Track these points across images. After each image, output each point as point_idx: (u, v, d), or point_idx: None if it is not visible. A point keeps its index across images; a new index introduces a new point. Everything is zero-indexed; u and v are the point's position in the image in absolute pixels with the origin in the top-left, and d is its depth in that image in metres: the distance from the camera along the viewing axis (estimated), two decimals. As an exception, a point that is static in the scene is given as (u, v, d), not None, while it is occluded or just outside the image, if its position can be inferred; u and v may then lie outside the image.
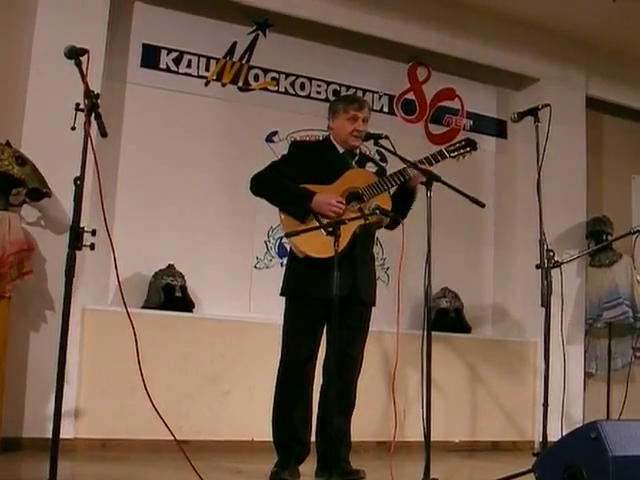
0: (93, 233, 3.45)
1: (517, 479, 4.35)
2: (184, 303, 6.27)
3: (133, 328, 3.57)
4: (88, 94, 3.49)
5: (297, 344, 4.72)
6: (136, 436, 5.77)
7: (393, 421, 4.49)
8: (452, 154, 4.69)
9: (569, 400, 6.19)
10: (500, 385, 7.31)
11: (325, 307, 4.39)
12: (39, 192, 5.41)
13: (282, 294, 4.81)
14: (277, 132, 6.97)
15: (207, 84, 6.78)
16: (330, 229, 4.07)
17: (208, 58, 6.79)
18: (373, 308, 4.86)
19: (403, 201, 4.77)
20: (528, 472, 4.05)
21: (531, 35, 7.62)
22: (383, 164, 5.26)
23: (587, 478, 3.30)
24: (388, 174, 4.69)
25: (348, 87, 7.30)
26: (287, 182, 4.70)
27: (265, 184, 4.78)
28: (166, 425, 3.63)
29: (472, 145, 4.73)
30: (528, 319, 7.49)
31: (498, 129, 8.10)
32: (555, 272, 4.74)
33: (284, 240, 6.26)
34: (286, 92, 7.09)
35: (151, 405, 3.60)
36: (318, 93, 7.20)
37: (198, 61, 6.75)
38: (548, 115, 4.73)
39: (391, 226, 4.81)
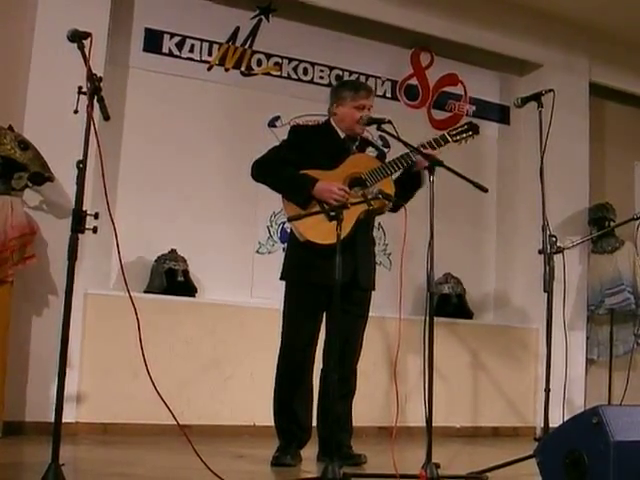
0: (96, 216, 3.44)
1: (518, 464, 4.36)
2: (186, 288, 6.27)
3: (136, 312, 3.57)
4: (91, 77, 3.47)
5: (297, 330, 4.74)
6: (138, 420, 5.79)
7: (395, 406, 4.48)
8: (454, 138, 4.67)
9: (571, 386, 6.20)
10: (502, 371, 7.32)
11: (325, 293, 4.41)
12: (41, 176, 5.40)
13: (282, 278, 4.82)
14: (280, 117, 6.96)
15: (210, 69, 6.77)
16: (333, 214, 4.05)
17: (211, 43, 6.77)
18: (374, 293, 4.87)
19: (409, 186, 4.76)
20: (529, 457, 4.06)
21: (534, 21, 7.59)
22: (385, 149, 5.25)
23: (588, 463, 3.30)
24: (392, 159, 4.67)
25: (351, 72, 7.28)
26: (288, 168, 4.69)
27: (266, 170, 4.77)
28: (169, 409, 3.63)
29: (474, 129, 4.72)
30: (530, 305, 7.50)
31: (501, 115, 8.09)
32: (557, 258, 4.73)
33: (286, 225, 6.27)
34: (289, 77, 7.08)
35: (153, 389, 3.59)
36: (321, 78, 7.18)
37: (201, 46, 6.73)
38: (551, 101, 4.72)
39: (393, 209, 4.80)
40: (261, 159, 4.81)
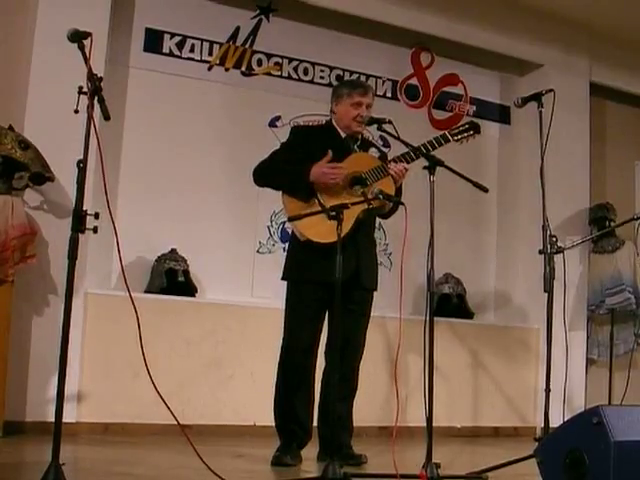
0: (96, 216, 3.44)
1: (518, 464, 4.36)
2: (187, 288, 6.27)
3: (136, 312, 3.57)
4: (91, 77, 3.47)
5: (298, 329, 4.73)
6: (138, 420, 5.79)
7: (395, 406, 4.48)
8: (455, 137, 4.66)
9: (571, 386, 6.20)
10: (502, 371, 7.32)
11: (326, 292, 4.39)
12: (42, 176, 5.40)
13: (283, 278, 4.82)
14: (280, 117, 6.96)
15: (210, 69, 6.77)
16: (333, 213, 4.05)
17: (211, 43, 6.77)
18: (375, 293, 4.87)
19: None
20: (529, 457, 4.05)
21: (535, 21, 7.59)
22: (386, 149, 5.24)
23: (589, 463, 3.30)
24: (394, 156, 4.67)
25: (351, 72, 7.28)
26: (285, 165, 4.69)
27: (265, 172, 4.77)
28: (169, 409, 3.63)
29: (475, 128, 4.70)
30: (530, 305, 7.51)
31: (501, 115, 8.09)
32: (558, 258, 4.73)
33: (287, 225, 6.27)
34: (289, 77, 7.08)
35: (153, 389, 3.60)
36: (321, 78, 7.18)
37: (201, 46, 6.73)
38: (552, 101, 4.71)
39: (386, 215, 4.81)
40: (260, 163, 4.81)
